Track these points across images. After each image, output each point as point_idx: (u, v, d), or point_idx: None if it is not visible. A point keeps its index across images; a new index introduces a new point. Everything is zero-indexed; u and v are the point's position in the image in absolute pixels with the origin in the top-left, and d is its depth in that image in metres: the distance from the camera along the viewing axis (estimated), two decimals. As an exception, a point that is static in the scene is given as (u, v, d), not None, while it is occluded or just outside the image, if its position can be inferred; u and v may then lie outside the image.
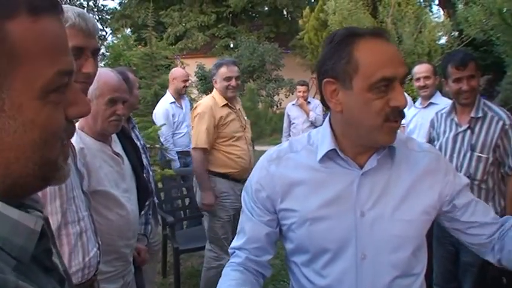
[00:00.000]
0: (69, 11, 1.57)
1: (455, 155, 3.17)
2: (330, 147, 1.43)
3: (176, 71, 6.13)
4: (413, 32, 11.73)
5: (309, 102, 7.10)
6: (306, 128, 6.79)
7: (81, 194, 1.72)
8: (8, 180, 0.67)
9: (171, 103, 5.84)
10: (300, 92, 7.08)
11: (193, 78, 18.27)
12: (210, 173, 4.00)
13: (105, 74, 2.37)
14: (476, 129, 3.10)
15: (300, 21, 18.51)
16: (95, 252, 1.72)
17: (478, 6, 10.03)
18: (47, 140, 0.69)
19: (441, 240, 3.28)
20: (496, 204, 3.14)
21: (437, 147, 3.25)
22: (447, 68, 3.15)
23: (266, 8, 27.51)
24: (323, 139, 1.47)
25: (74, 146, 1.81)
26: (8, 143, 0.66)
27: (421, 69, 4.48)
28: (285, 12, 27.43)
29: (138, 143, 3.37)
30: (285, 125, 7.21)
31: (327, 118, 1.51)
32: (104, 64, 23.17)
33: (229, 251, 1.63)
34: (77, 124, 2.41)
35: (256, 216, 1.54)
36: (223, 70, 3.99)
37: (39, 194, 1.45)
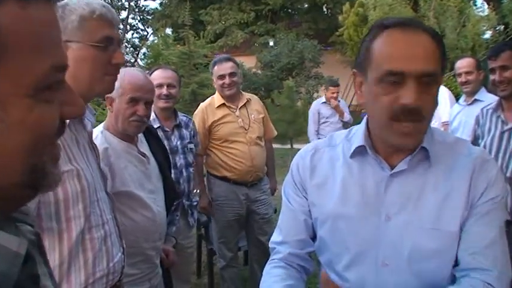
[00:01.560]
0: (93, 2, 1.55)
1: (500, 155, 2.95)
2: (359, 143, 1.36)
3: None
4: (456, 26, 11.36)
5: (338, 101, 7.10)
6: (339, 128, 6.81)
7: (105, 196, 1.67)
8: None
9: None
10: (333, 93, 7.02)
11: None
12: (210, 176, 3.96)
13: (129, 73, 2.33)
14: None
15: (340, 17, 18.27)
16: (119, 257, 1.66)
17: (525, -2, 9.64)
18: (38, 143, 0.61)
19: None
20: None
21: (481, 145, 3.06)
22: (487, 60, 3.06)
23: (306, 5, 27.30)
24: (357, 135, 1.41)
25: (96, 146, 1.76)
26: None
27: (462, 64, 4.25)
28: (324, 9, 27.13)
29: (179, 143, 3.32)
30: (313, 122, 7.15)
31: (366, 116, 1.43)
32: (144, 64, 23.56)
33: (270, 246, 1.56)
34: (102, 124, 2.38)
35: (298, 206, 1.48)
36: (216, 69, 3.86)
37: (60, 196, 1.43)
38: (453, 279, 1.27)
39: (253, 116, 3.91)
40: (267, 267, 1.49)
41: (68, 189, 1.44)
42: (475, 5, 14.03)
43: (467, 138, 3.95)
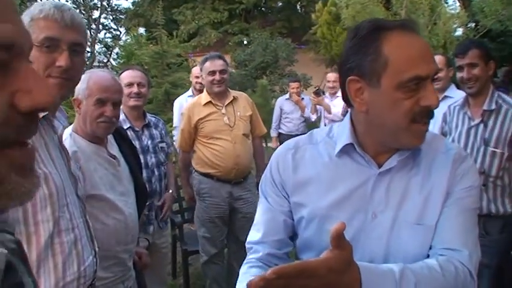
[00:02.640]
0: (47, 3, 1.52)
1: (468, 150, 3.02)
2: (347, 141, 1.36)
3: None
4: (428, 24, 11.51)
5: (302, 99, 7.28)
6: (301, 123, 7.22)
7: (76, 199, 1.64)
8: None
9: (188, 96, 5.89)
10: (293, 88, 7.34)
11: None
12: (195, 172, 4.00)
13: (95, 74, 2.32)
14: (490, 122, 2.97)
15: (313, 16, 18.37)
16: (91, 260, 1.64)
17: (494, -4, 9.83)
18: None
19: None
20: None
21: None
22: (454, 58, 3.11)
23: (279, 4, 27.37)
24: (342, 133, 1.40)
25: (66, 150, 1.74)
26: None
27: (433, 61, 4.32)
28: (298, 7, 27.24)
29: (150, 142, 3.30)
30: (275, 117, 7.48)
31: (348, 114, 1.43)
32: (117, 64, 23.31)
33: (247, 246, 1.53)
34: (70, 126, 2.35)
35: (277, 206, 1.46)
36: (207, 65, 3.90)
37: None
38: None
39: (239, 113, 3.94)
40: (244, 267, 1.46)
41: (36, 194, 1.41)
42: (447, 3, 14.24)
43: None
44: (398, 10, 12.10)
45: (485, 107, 2.97)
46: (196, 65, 11.75)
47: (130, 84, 3.25)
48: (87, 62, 25.94)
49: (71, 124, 2.34)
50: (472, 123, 3.05)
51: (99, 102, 2.25)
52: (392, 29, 1.24)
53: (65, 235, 1.52)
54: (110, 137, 2.44)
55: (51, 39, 1.49)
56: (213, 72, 3.84)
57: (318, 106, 6.64)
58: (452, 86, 4.24)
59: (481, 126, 3.00)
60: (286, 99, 7.45)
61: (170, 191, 3.55)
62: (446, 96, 4.13)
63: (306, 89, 16.23)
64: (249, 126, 4.03)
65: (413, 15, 11.64)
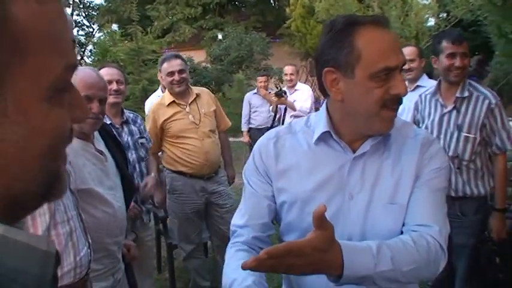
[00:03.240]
0: None
1: (441, 136, 3.16)
2: (324, 129, 1.46)
3: None
4: (400, 15, 11.68)
5: (269, 92, 7.34)
6: (269, 117, 7.27)
7: (69, 193, 1.70)
8: (7, 200, 0.54)
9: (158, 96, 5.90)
10: (260, 82, 7.46)
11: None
12: (166, 170, 4.04)
13: (81, 71, 2.36)
14: (462, 109, 3.09)
15: (287, 10, 18.45)
16: (85, 251, 1.70)
17: (464, -14, 10.01)
18: (55, 149, 0.58)
19: None
20: (486, 184, 3.16)
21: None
22: (441, 43, 3.15)
23: (254, -2, 27.39)
24: (319, 122, 1.51)
25: None
26: (12, 156, 0.53)
27: (405, 52, 4.33)
28: (271, 1, 27.28)
29: (130, 138, 3.35)
30: (245, 112, 7.55)
31: (324, 104, 1.54)
32: (92, 61, 23.08)
33: (231, 228, 1.61)
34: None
35: (261, 191, 1.55)
36: (165, 66, 3.91)
37: None
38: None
39: (203, 110, 3.97)
40: (230, 250, 1.53)
41: None
42: (420, -6, 14.46)
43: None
44: (370, 2, 12.27)
45: (458, 94, 3.09)
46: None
47: (109, 82, 3.27)
48: (60, 60, 25.68)
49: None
50: (445, 110, 3.17)
51: (85, 99, 2.30)
52: (365, 24, 1.34)
53: (61, 227, 1.58)
54: (96, 133, 2.48)
55: None
56: (171, 73, 3.85)
57: (281, 106, 6.65)
58: (424, 76, 4.37)
59: (454, 112, 3.12)
60: (254, 93, 7.56)
61: (152, 174, 3.58)
62: (418, 86, 4.26)
63: (282, 83, 16.33)
64: (215, 121, 4.08)
65: (386, 7, 11.84)
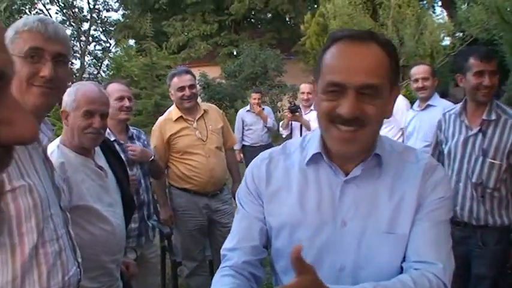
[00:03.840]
0: (31, 18, 1.59)
1: (465, 161, 2.96)
2: (316, 151, 1.39)
3: None
4: (415, 33, 11.63)
5: (263, 109, 7.29)
6: (264, 134, 7.17)
7: (59, 211, 1.66)
8: None
9: None
10: (254, 99, 7.28)
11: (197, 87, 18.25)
12: (171, 187, 3.98)
13: (83, 86, 2.35)
14: (489, 132, 2.87)
15: (302, 27, 18.47)
16: (74, 270, 1.66)
17: (479, 5, 9.93)
18: None
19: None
20: (510, 213, 2.95)
21: (445, 151, 3.10)
22: (468, 61, 2.92)
23: (269, 15, 27.51)
24: (312, 142, 1.44)
25: (51, 161, 1.76)
26: None
27: (419, 70, 4.35)
28: (287, 19, 27.38)
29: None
30: (237, 130, 7.31)
31: None
32: (106, 75, 23.27)
33: (222, 253, 1.54)
34: (58, 138, 2.37)
35: (253, 212, 1.48)
36: (175, 81, 3.86)
37: (12, 212, 1.43)
38: (401, 272, 1.33)
39: (211, 126, 3.92)
40: (217, 276, 1.46)
41: (21, 205, 1.44)
42: (434, 12, 14.41)
43: (422, 142, 4.06)
44: (385, 20, 12.25)
45: (484, 117, 2.88)
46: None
47: (121, 98, 3.26)
48: (77, 74, 26.00)
49: (57, 136, 2.38)
50: (470, 133, 2.95)
51: (87, 114, 2.28)
52: (341, 39, 1.30)
53: (49, 246, 1.54)
54: (97, 149, 2.46)
55: (35, 49, 1.54)
56: (182, 88, 3.81)
57: (293, 123, 6.22)
58: (436, 95, 4.31)
59: (480, 136, 2.90)
60: (247, 110, 7.40)
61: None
62: (429, 105, 4.20)
63: (296, 99, 16.31)
64: (221, 138, 4.02)
65: (400, 25, 11.80)
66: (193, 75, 3.99)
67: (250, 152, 7.15)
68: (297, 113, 5.90)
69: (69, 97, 2.30)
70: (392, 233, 1.32)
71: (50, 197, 1.58)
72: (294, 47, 21.76)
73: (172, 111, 3.94)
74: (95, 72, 27.71)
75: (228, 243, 1.53)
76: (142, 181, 3.34)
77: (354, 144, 1.28)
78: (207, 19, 25.32)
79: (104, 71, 25.89)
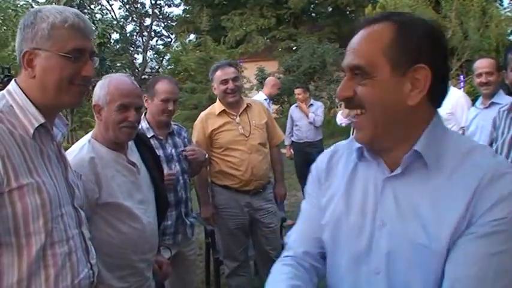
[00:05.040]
0: (66, 10, 1.53)
1: (510, 160, 2.70)
2: (358, 145, 1.31)
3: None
4: (479, 26, 11.06)
5: (311, 105, 7.09)
6: (309, 130, 7.00)
7: (72, 210, 1.58)
8: None
9: (264, 99, 6.28)
10: (299, 94, 7.14)
11: (254, 81, 18.27)
12: (212, 184, 3.87)
13: (116, 79, 2.27)
14: None
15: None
16: (86, 273, 1.57)
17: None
18: None
19: None
20: None
21: (493, 149, 2.83)
22: (507, 57, 2.77)
23: (329, 9, 27.14)
24: None
25: (66, 158, 1.68)
26: None
27: (482, 64, 4.03)
28: (347, 12, 26.93)
29: (174, 150, 3.23)
30: (288, 125, 7.27)
31: None
32: (165, 69, 23.67)
33: (284, 241, 1.52)
34: (90, 133, 2.31)
35: (316, 203, 1.45)
36: (218, 74, 3.72)
37: (19, 211, 1.35)
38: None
39: (254, 122, 3.78)
40: (277, 264, 1.44)
41: (28, 204, 1.37)
42: (501, 5, 13.67)
43: (485, 143, 3.76)
44: (448, 13, 11.72)
45: None
46: (242, 71, 11.63)
47: (167, 100, 3.17)
48: (139, 68, 26.58)
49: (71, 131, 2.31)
50: None
51: (121, 107, 2.20)
52: (361, 25, 1.24)
53: (58, 247, 1.46)
54: (131, 144, 2.39)
55: (80, 50, 1.52)
56: (225, 81, 3.67)
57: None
58: (500, 92, 3.99)
59: None
60: (296, 106, 7.25)
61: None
62: (494, 103, 3.88)
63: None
64: (265, 134, 3.86)
65: (464, 17, 11.25)
66: (237, 68, 3.85)
67: (297, 148, 7.06)
68: None
69: (101, 91, 2.23)
70: (428, 247, 1.13)
71: (61, 196, 1.51)
72: (353, 41, 21.34)
73: (215, 105, 3.83)
74: (157, 67, 28.26)
75: (291, 233, 1.51)
76: (180, 178, 3.23)
77: (361, 131, 1.23)
78: (265, 13, 25.25)
79: (164, 67, 26.30)
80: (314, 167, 1.48)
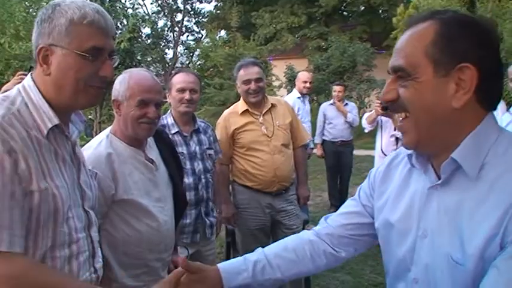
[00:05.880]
0: (87, 6, 1.44)
1: None
2: (408, 152, 1.30)
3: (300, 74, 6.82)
4: (517, 28, 10.75)
5: (346, 104, 7.00)
6: (345, 129, 6.91)
7: (81, 213, 1.54)
8: None
9: (297, 98, 6.40)
10: (339, 91, 7.01)
11: (283, 79, 18.19)
12: (234, 183, 3.80)
13: (137, 74, 2.23)
14: None
15: (394, 19, 17.80)
16: (86, 277, 1.51)
17: None
18: None
19: None
20: None
21: None
22: None
23: (361, 8, 26.82)
24: None
25: (80, 158, 1.63)
26: None
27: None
28: (379, 11, 26.56)
29: (198, 148, 3.19)
30: (319, 124, 7.11)
31: None
32: (195, 64, 23.76)
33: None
34: (109, 128, 2.28)
35: (362, 198, 1.51)
36: (241, 73, 3.63)
37: (34, 216, 1.30)
38: None
39: (278, 122, 3.70)
40: (301, 232, 1.62)
41: (41, 209, 1.33)
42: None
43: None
44: (483, 14, 11.42)
45: None
46: (271, 69, 11.47)
47: (182, 90, 3.12)
48: (169, 63, 26.75)
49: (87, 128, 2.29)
50: None
51: (141, 103, 2.16)
52: (407, 24, 1.21)
53: (58, 250, 1.40)
54: (150, 141, 2.35)
55: (99, 49, 1.44)
56: (248, 81, 3.59)
57: (383, 119, 5.54)
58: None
59: None
60: (330, 104, 7.09)
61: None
62: None
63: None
64: (289, 135, 3.77)
65: (500, 19, 10.94)
66: (262, 68, 3.75)
67: (330, 147, 6.95)
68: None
69: (121, 85, 2.19)
70: (461, 264, 1.07)
71: (72, 199, 1.46)
72: (385, 41, 21.05)
73: (239, 104, 3.77)
74: (187, 62, 28.38)
75: (327, 216, 1.62)
76: (202, 176, 3.19)
77: (406, 135, 1.19)
78: (296, 11, 25.06)
79: (193, 63, 26.39)
80: (374, 168, 1.49)
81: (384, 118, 5.48)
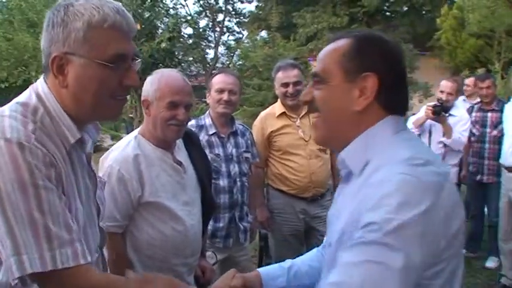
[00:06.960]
0: (105, 5, 1.26)
1: None
2: None
3: None
4: None
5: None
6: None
7: (97, 231, 1.47)
8: None
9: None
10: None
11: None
12: (268, 187, 3.73)
13: (167, 75, 2.19)
14: None
15: (438, 21, 17.40)
16: None
17: None
18: None
19: None
20: None
21: None
22: None
23: (404, 8, 26.34)
24: None
25: (94, 172, 1.51)
26: None
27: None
28: (423, 12, 26.04)
29: (234, 151, 3.14)
30: None
31: None
32: (235, 64, 23.78)
33: None
34: (137, 129, 2.25)
35: None
36: (279, 75, 3.55)
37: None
38: None
39: None
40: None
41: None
42: None
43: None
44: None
45: None
46: (311, 69, 11.47)
47: (221, 91, 3.08)
48: (210, 63, 26.90)
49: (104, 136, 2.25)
50: None
51: (171, 104, 2.12)
52: None
53: None
54: (180, 143, 2.31)
55: (120, 56, 1.29)
56: (286, 84, 3.51)
57: (430, 123, 5.01)
58: None
59: None
60: None
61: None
62: None
63: (426, 98, 15.41)
64: None
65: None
66: (301, 70, 3.66)
67: None
68: (442, 116, 4.76)
69: (151, 86, 2.16)
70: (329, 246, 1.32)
71: (88, 218, 1.38)
72: (429, 42, 20.60)
73: (276, 106, 3.70)
74: (227, 62, 28.50)
75: None
76: (238, 180, 3.13)
77: (315, 132, 1.34)
78: (337, 11, 24.79)
79: (234, 63, 26.44)
80: None
81: (432, 122, 5.01)
